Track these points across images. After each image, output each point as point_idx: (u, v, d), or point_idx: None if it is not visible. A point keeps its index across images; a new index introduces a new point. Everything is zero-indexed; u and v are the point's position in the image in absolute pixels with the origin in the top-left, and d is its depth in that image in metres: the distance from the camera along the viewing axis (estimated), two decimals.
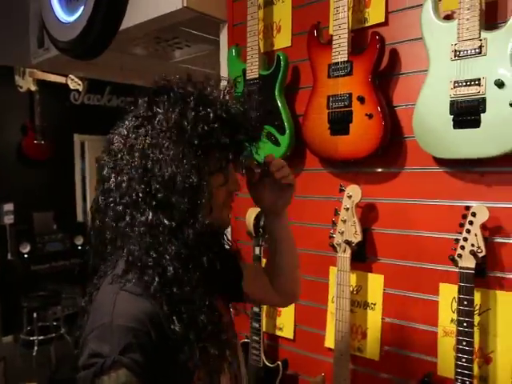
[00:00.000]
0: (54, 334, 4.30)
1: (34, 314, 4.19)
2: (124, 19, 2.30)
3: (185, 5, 1.98)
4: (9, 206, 4.75)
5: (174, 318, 0.84)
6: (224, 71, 2.08)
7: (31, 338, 4.26)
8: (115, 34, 2.33)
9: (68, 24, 2.54)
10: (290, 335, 1.92)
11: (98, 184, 0.94)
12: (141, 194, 0.87)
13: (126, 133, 0.91)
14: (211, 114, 0.88)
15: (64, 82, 4.41)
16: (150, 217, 0.86)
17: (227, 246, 1.12)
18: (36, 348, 4.20)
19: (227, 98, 0.94)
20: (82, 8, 2.41)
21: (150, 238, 0.86)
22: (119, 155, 0.90)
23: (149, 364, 0.80)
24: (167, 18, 2.12)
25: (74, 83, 4.38)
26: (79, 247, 5.09)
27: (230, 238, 1.14)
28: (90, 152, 5.61)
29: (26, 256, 4.66)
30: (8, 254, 4.72)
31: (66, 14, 2.59)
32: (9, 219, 4.74)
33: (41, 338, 4.25)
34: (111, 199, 0.90)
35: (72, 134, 5.51)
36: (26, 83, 4.48)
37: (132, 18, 2.26)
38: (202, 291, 0.88)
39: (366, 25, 1.66)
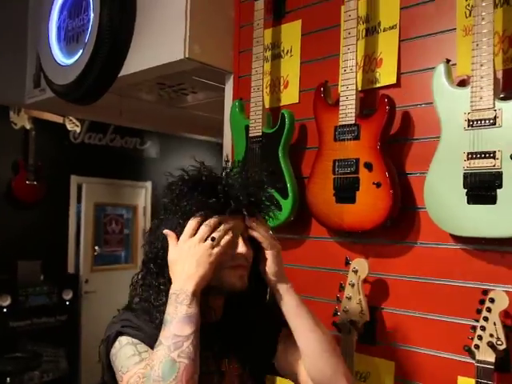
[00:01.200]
0: None
1: (8, 379, 4.16)
2: (124, 65, 2.45)
3: (186, 56, 2.10)
4: None
5: None
6: (227, 125, 2.18)
7: None
8: (114, 79, 2.46)
9: (65, 67, 2.69)
10: None
11: None
12: (152, 260, 1.21)
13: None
14: (199, 192, 1.16)
15: (61, 122, 4.59)
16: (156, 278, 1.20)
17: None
18: None
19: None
20: (80, 51, 2.56)
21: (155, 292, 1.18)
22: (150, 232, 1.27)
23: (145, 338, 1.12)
24: (169, 67, 2.24)
25: (72, 124, 4.55)
26: (67, 302, 5.10)
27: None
28: (88, 195, 5.71)
29: (4, 310, 4.67)
30: None
31: (64, 56, 2.75)
32: None
33: None
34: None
35: (69, 176, 5.64)
36: (21, 120, 4.66)
37: (132, 64, 2.40)
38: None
39: (377, 85, 1.74)
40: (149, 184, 6.10)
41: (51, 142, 5.38)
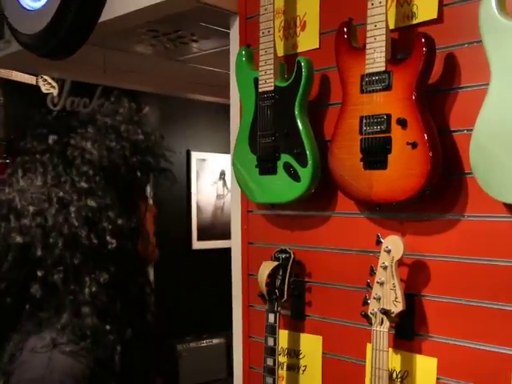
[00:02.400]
0: None
1: None
2: (106, 6, 2.49)
3: None
4: None
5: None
6: (234, 78, 2.23)
7: None
8: (93, 26, 2.51)
9: (33, 11, 2.74)
10: None
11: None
12: (81, 253, 1.10)
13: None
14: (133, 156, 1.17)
15: (34, 82, 4.67)
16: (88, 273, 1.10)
17: None
18: None
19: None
20: None
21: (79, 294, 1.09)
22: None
23: None
24: (163, 7, 2.29)
25: (48, 85, 4.62)
26: None
27: None
28: None
29: None
30: None
31: None
32: None
33: None
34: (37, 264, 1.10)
35: None
36: None
37: (118, 7, 2.45)
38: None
39: (414, 22, 1.77)
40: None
41: (25, 109, 5.48)
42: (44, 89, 4.56)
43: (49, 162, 1.13)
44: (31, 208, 1.10)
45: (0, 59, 3.41)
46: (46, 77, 4.53)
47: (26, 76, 4.47)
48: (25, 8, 2.84)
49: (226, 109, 6.13)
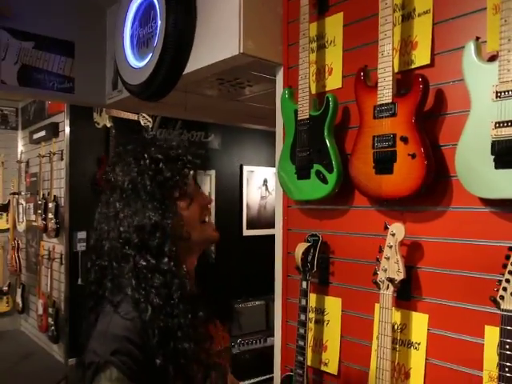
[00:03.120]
0: None
1: None
2: (187, 63, 2.54)
3: (241, 51, 2.15)
4: (82, 234, 5.13)
5: (159, 346, 1.03)
6: (279, 111, 2.22)
7: None
8: (178, 79, 2.56)
9: (137, 69, 2.82)
10: (335, 371, 1.96)
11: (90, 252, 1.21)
12: (124, 245, 1.11)
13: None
14: (161, 160, 1.14)
15: (136, 119, 4.79)
16: (134, 261, 1.10)
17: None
18: None
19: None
20: (150, 55, 2.68)
21: (137, 278, 1.09)
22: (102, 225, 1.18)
23: (135, 366, 1.00)
24: (225, 63, 2.30)
25: (145, 120, 4.73)
26: None
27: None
28: None
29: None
30: (79, 280, 5.07)
31: (136, 60, 2.88)
32: (81, 246, 5.11)
33: None
34: (102, 259, 1.15)
35: None
36: (103, 120, 4.90)
37: (193, 63, 2.48)
38: (187, 325, 1.07)
39: (412, 67, 1.73)
40: (213, 172, 6.27)
41: (128, 138, 5.62)
42: (143, 122, 4.67)
43: (105, 191, 1.22)
44: (97, 223, 1.21)
45: (114, 103, 3.49)
46: (144, 114, 4.63)
47: (131, 114, 4.58)
48: (132, 66, 2.93)
49: (268, 134, 6.21)
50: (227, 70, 2.56)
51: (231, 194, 6.14)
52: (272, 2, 2.28)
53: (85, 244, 5.15)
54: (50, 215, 5.20)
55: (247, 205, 6.19)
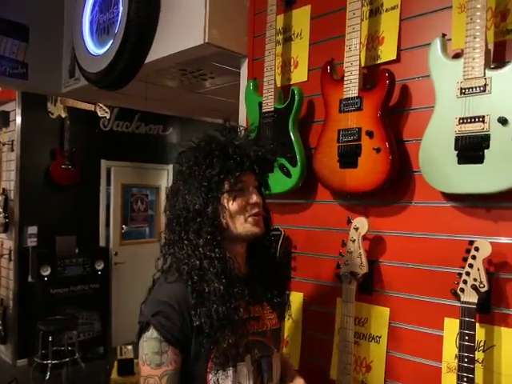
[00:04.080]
0: (67, 359, 4.36)
1: (50, 338, 4.27)
2: (150, 52, 2.47)
3: (206, 41, 2.11)
4: (32, 229, 4.92)
5: (196, 308, 1.16)
6: (243, 103, 2.19)
7: (45, 362, 4.32)
8: (140, 67, 2.49)
9: (97, 56, 2.73)
10: (295, 366, 1.95)
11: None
12: (175, 220, 1.26)
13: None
14: (213, 159, 1.23)
15: (93, 109, 4.63)
16: (180, 235, 1.25)
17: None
18: (49, 373, 4.26)
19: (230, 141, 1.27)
20: (110, 42, 2.59)
21: (181, 249, 1.23)
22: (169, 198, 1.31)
23: (173, 329, 1.15)
24: (189, 52, 2.26)
25: (102, 111, 4.59)
26: (99, 272, 5.20)
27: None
28: (116, 178, 5.79)
29: (45, 279, 4.79)
30: (29, 277, 4.87)
31: (96, 47, 2.78)
32: (32, 242, 4.91)
33: (55, 362, 4.31)
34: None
35: (99, 160, 5.72)
36: (57, 110, 4.72)
37: (156, 52, 2.42)
38: (221, 290, 1.18)
39: (379, 62, 1.75)
40: (170, 167, 6.17)
41: (84, 130, 5.45)
42: (100, 114, 4.53)
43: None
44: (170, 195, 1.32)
45: (71, 92, 3.37)
46: (101, 104, 4.49)
47: (88, 105, 4.43)
48: (91, 54, 2.83)
49: None
50: (190, 60, 2.52)
51: None
52: None
53: (36, 239, 4.95)
54: None
55: None
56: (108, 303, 5.37)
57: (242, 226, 1.26)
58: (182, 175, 1.28)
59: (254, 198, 1.28)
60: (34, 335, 4.51)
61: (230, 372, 1.19)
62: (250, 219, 1.27)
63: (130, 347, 3.78)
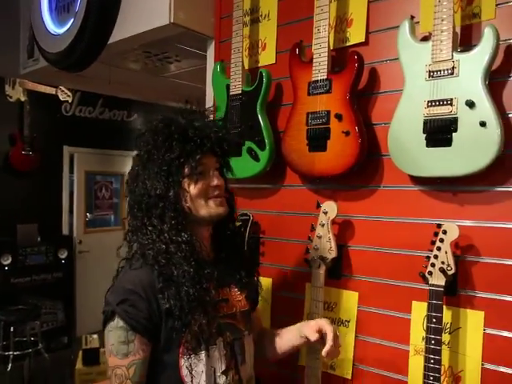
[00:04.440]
0: (30, 350, 4.23)
1: (11, 329, 4.14)
2: (112, 33, 2.37)
3: (172, 21, 2.04)
4: None
5: (164, 291, 1.14)
6: (209, 86, 2.14)
7: (6, 353, 4.18)
8: (103, 47, 2.39)
9: (57, 36, 2.60)
10: None
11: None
12: (136, 206, 1.23)
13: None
14: (173, 143, 1.20)
15: (54, 92, 4.46)
16: (142, 221, 1.22)
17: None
18: (11, 364, 4.13)
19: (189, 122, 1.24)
20: (71, 21, 2.47)
21: (145, 235, 1.21)
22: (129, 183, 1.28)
23: (140, 316, 1.12)
24: (154, 33, 2.18)
25: (64, 94, 4.42)
26: (63, 261, 5.07)
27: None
28: (79, 164, 5.64)
29: (6, 268, 4.63)
30: None
31: (56, 26, 2.65)
32: None
33: (17, 353, 4.18)
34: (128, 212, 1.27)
35: (62, 146, 5.55)
36: (16, 93, 4.53)
37: (120, 32, 2.32)
38: (190, 272, 1.16)
39: (347, 44, 1.72)
40: (135, 154, 6.04)
41: (45, 114, 5.27)
42: (61, 97, 4.37)
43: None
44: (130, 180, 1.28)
45: (30, 73, 3.22)
46: (63, 88, 4.32)
47: (48, 88, 4.26)
48: (51, 33, 2.70)
49: None
50: (155, 41, 2.44)
51: None
52: None
53: None
54: None
55: None
56: (72, 292, 5.26)
57: (205, 208, 1.24)
58: (141, 159, 1.25)
59: (215, 181, 1.26)
60: None
61: (203, 356, 1.17)
62: (211, 201, 1.25)
63: (95, 336, 3.71)
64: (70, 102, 4.73)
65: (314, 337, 1.29)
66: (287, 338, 1.43)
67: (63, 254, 5.07)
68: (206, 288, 1.19)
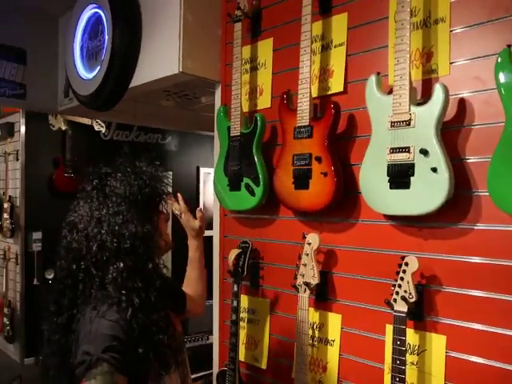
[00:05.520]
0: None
1: None
2: (133, 77, 2.64)
3: (181, 70, 2.27)
4: (37, 235, 5.11)
5: (139, 340, 1.18)
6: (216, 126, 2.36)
7: None
8: (125, 92, 2.66)
9: (87, 80, 2.90)
10: (264, 366, 2.12)
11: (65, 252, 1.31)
12: (107, 252, 1.24)
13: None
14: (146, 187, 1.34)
15: (89, 123, 4.83)
16: (114, 265, 1.24)
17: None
18: None
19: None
20: (98, 68, 2.76)
21: (116, 282, 1.22)
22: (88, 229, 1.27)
23: (123, 359, 1.14)
24: (166, 80, 2.43)
25: (98, 125, 4.78)
26: None
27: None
28: None
29: (50, 282, 4.98)
30: (34, 280, 5.07)
31: (86, 71, 2.95)
32: (37, 246, 5.10)
33: None
34: (83, 260, 1.26)
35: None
36: (58, 123, 4.90)
37: (138, 78, 2.59)
38: (162, 314, 1.25)
39: (329, 93, 1.90)
40: (170, 174, 6.36)
41: (85, 140, 5.61)
42: (96, 128, 4.72)
43: (94, 195, 1.32)
44: (81, 225, 1.28)
45: (66, 110, 3.57)
46: (97, 119, 4.68)
47: (85, 119, 4.63)
48: (82, 77, 3.00)
49: None
50: (171, 84, 2.68)
51: (188, 195, 6.24)
52: (211, 24, 2.41)
53: (40, 244, 5.13)
54: (5, 215, 5.16)
55: (204, 206, 6.28)
56: None
57: (168, 241, 1.48)
58: (105, 202, 1.29)
59: (168, 215, 1.51)
60: (40, 335, 4.68)
61: (166, 378, 1.29)
62: (167, 235, 1.48)
63: None
64: (103, 132, 5.08)
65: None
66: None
67: None
68: (172, 329, 1.30)
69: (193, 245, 1.87)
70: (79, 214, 1.31)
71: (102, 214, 1.27)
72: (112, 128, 5.60)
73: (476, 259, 1.51)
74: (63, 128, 4.92)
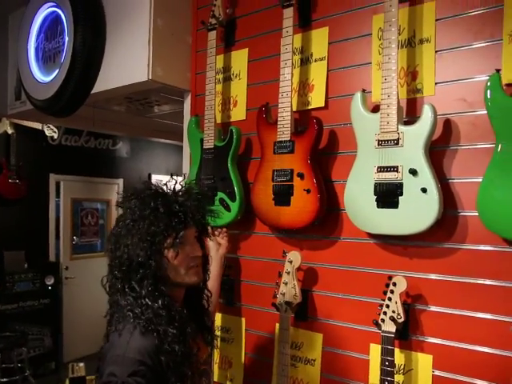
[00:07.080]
0: (17, 377, 4.26)
1: None
2: (96, 83, 2.49)
3: (150, 77, 2.16)
4: None
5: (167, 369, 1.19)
6: (186, 137, 2.26)
7: None
8: (87, 96, 2.50)
9: (43, 84, 2.71)
10: None
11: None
12: (117, 268, 1.27)
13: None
14: (158, 215, 1.26)
15: (40, 128, 4.55)
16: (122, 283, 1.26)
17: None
18: None
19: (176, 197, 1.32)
20: (57, 71, 2.59)
21: (139, 303, 1.23)
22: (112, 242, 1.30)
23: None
24: (134, 87, 2.30)
25: (50, 130, 4.52)
26: (49, 287, 5.11)
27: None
28: (66, 192, 5.69)
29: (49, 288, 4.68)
30: None
31: (43, 74, 2.76)
32: None
33: (4, 380, 4.21)
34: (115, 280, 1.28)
35: (48, 174, 5.60)
36: (3, 126, 4.60)
37: (102, 84, 2.44)
38: (185, 339, 1.25)
39: (309, 107, 1.86)
40: (120, 181, 6.16)
41: (31, 144, 5.32)
42: (47, 133, 4.47)
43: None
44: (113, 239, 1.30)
45: (17, 113, 3.33)
46: (49, 124, 4.42)
47: (35, 123, 4.36)
48: (37, 81, 2.80)
49: (173, 147, 6.22)
50: (137, 91, 2.55)
51: None
52: (182, 31, 2.31)
53: None
54: None
55: None
56: (59, 318, 5.28)
57: (183, 277, 1.31)
58: (126, 225, 1.28)
59: (196, 252, 1.33)
60: None
61: None
62: (190, 271, 1.32)
63: (81, 364, 3.75)
64: (55, 137, 4.81)
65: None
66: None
67: (50, 281, 5.10)
68: (190, 344, 1.27)
69: (217, 260, 1.89)
70: (114, 233, 1.32)
71: (113, 232, 1.31)
72: (60, 132, 5.34)
73: (462, 279, 1.50)
74: (9, 132, 4.61)
